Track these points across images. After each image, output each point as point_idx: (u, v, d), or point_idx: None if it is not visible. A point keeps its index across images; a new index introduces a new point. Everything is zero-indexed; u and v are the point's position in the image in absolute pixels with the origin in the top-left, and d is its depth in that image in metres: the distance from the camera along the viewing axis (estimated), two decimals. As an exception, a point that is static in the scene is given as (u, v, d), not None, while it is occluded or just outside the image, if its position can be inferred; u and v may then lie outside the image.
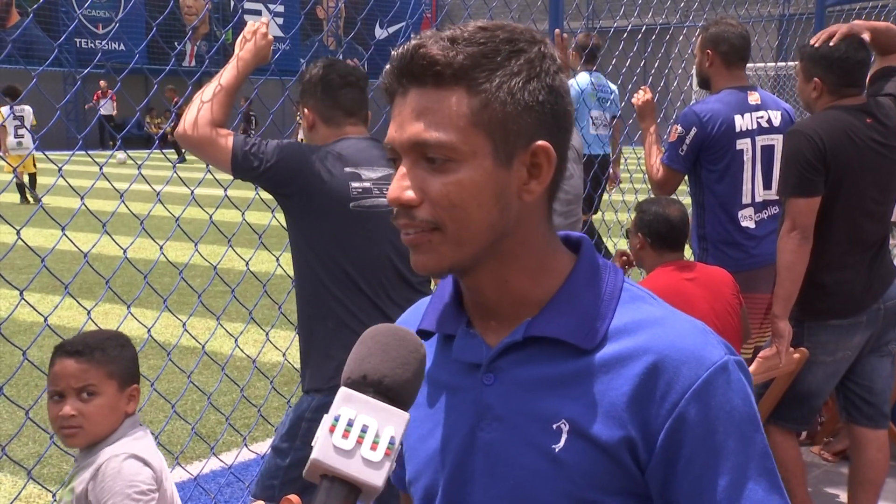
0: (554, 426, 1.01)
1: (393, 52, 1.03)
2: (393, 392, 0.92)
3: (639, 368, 0.99)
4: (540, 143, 1.01)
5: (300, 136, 13.05)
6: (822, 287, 3.15)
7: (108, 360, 2.03)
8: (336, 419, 0.91)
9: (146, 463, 2.02)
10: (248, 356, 4.10)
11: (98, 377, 2.01)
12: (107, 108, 24.44)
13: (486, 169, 0.99)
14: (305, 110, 2.75)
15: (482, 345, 1.07)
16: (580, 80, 6.64)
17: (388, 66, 1.03)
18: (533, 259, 1.05)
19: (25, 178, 13.99)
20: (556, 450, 1.00)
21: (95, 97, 24.28)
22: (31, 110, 14.23)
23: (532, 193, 1.02)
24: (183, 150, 19.08)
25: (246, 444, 3.75)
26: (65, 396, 2.01)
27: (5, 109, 13.49)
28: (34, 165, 14.33)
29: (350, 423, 0.90)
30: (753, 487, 0.99)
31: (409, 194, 1.00)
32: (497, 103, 0.99)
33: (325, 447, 0.90)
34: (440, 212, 0.99)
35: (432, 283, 2.86)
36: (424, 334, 1.13)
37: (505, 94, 0.99)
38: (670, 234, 3.18)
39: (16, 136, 13.88)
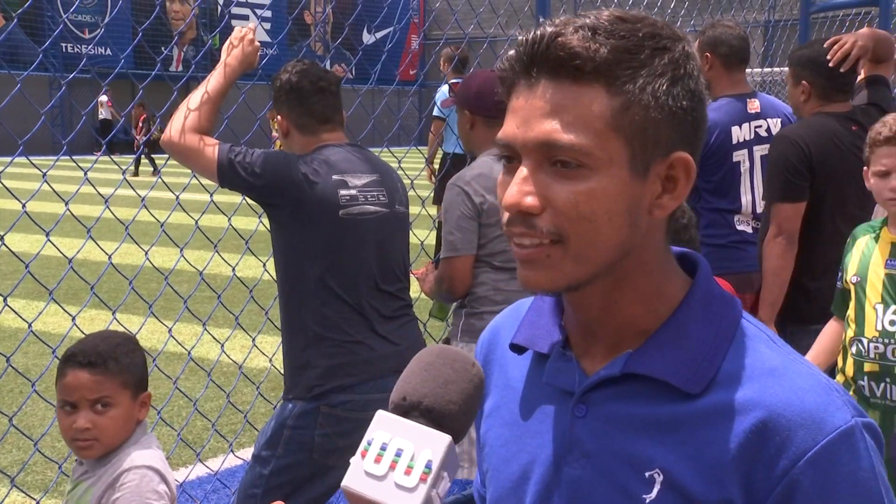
0: (647, 474, 0.91)
1: (520, 36, 0.91)
2: (434, 413, 0.87)
3: (747, 424, 0.88)
4: (680, 154, 0.90)
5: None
6: (805, 292, 3.16)
7: (122, 369, 1.99)
8: (369, 443, 0.86)
9: (164, 478, 2.00)
10: (234, 362, 4.09)
11: (113, 388, 1.96)
12: (106, 113, 24.39)
13: (622, 179, 0.88)
14: (279, 118, 2.73)
15: (577, 371, 0.97)
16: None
17: (512, 52, 0.92)
18: (648, 281, 0.95)
19: None
20: (647, 500, 0.90)
21: (109, 103, 24.30)
22: None
23: (664, 209, 0.92)
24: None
25: (232, 451, 3.73)
26: (77, 407, 1.95)
27: None
28: None
29: (383, 448, 0.85)
30: None
31: (531, 200, 0.89)
32: (639, 107, 0.88)
33: (355, 473, 0.86)
34: (565, 223, 0.88)
35: (410, 290, 2.87)
36: (518, 349, 1.04)
37: (649, 96, 0.88)
38: (688, 244, 3.14)
39: None
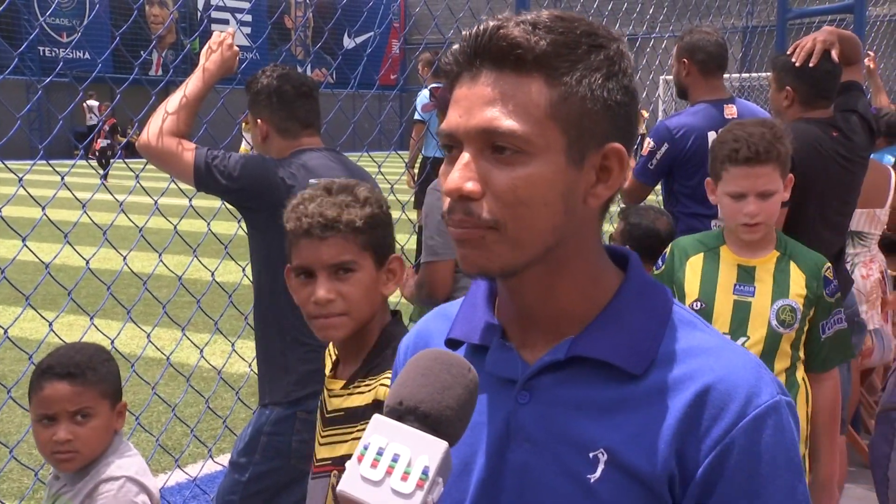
0: (591, 454, 0.94)
1: (465, 31, 0.95)
2: (431, 419, 0.86)
3: (685, 399, 0.93)
4: (614, 145, 0.95)
5: (243, 146, 13.01)
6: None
7: (100, 378, 1.96)
8: (365, 448, 0.86)
9: (143, 487, 1.97)
10: (213, 367, 4.07)
11: (93, 398, 1.94)
12: (96, 118, 24.20)
13: (558, 166, 0.92)
14: (258, 121, 2.72)
15: (518, 360, 1.00)
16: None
17: (456, 46, 0.96)
18: (584, 270, 0.98)
19: None
20: (592, 480, 0.94)
21: (101, 108, 24.09)
22: None
23: (599, 198, 0.96)
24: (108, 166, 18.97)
25: (211, 456, 3.71)
26: (57, 420, 1.92)
27: None
28: None
29: (380, 452, 0.85)
30: None
31: (471, 186, 0.92)
32: (576, 98, 0.92)
33: (351, 478, 0.85)
34: (502, 208, 0.92)
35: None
36: (454, 344, 1.06)
37: (585, 89, 0.92)
38: (660, 250, 3.16)
39: None
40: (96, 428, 1.95)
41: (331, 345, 1.89)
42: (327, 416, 1.73)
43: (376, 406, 1.65)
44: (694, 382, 0.93)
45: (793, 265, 2.42)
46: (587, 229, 0.98)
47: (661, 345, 0.96)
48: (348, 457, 1.66)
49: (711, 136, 3.59)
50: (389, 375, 1.66)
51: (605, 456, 0.94)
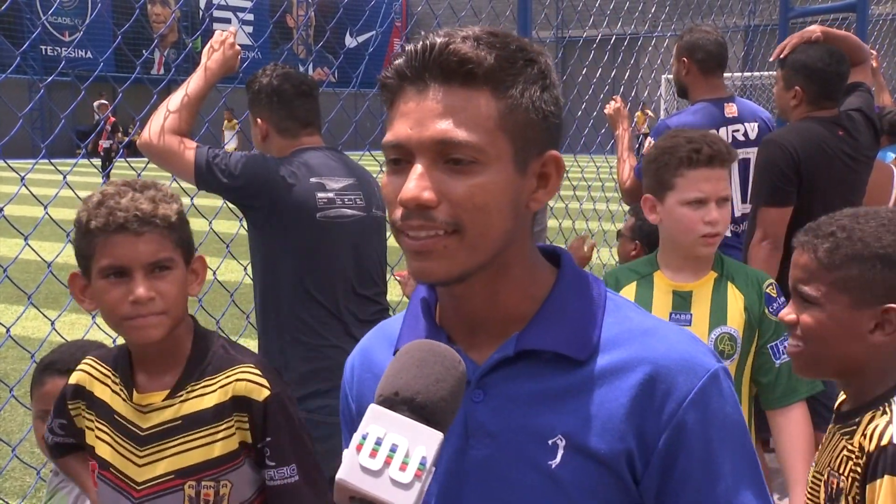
0: (549, 442, 0.99)
1: (408, 47, 0.99)
2: (427, 410, 0.88)
3: (635, 379, 0.99)
4: (552, 152, 1.01)
5: (230, 145, 12.96)
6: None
7: None
8: (364, 437, 0.87)
9: None
10: (215, 366, 4.05)
11: None
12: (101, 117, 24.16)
13: (508, 174, 0.98)
14: (258, 120, 2.73)
15: (468, 361, 1.03)
16: None
17: (399, 61, 0.99)
18: (523, 270, 1.04)
19: None
20: (553, 466, 0.98)
21: (102, 109, 24.04)
22: None
23: (538, 202, 1.02)
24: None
25: (214, 456, 3.70)
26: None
27: None
28: None
29: (378, 442, 0.86)
30: (746, 494, 1.00)
31: (428, 195, 0.95)
32: (521, 110, 0.98)
33: (350, 467, 0.86)
34: (462, 213, 0.96)
35: (387, 294, 2.86)
36: None
37: (527, 101, 0.98)
38: None
39: None
40: None
41: (91, 365, 1.73)
42: (144, 434, 1.62)
43: (235, 402, 1.60)
44: (640, 362, 0.99)
45: (731, 287, 2.16)
46: (525, 232, 1.03)
47: (602, 329, 1.02)
48: (207, 463, 1.60)
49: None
50: (242, 369, 1.62)
51: (564, 441, 0.99)
